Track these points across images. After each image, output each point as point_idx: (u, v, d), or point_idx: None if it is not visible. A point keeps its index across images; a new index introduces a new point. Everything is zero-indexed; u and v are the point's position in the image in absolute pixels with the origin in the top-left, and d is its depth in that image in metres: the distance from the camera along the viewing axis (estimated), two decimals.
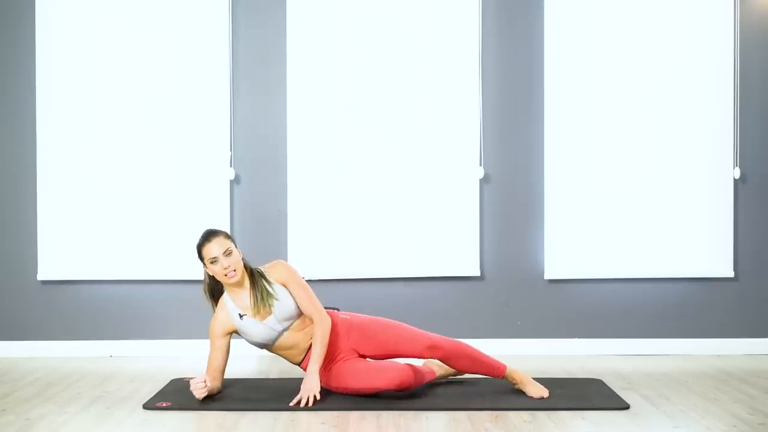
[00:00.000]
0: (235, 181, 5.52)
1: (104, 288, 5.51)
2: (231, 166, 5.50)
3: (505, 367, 4.34)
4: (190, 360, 5.26)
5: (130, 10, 5.50)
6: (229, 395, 4.33)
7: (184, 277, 5.45)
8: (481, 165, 5.52)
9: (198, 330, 5.48)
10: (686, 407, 4.13)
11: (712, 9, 5.51)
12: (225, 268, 4.21)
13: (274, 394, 4.34)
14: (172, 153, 5.52)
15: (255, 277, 4.31)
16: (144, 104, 5.52)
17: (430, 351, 4.30)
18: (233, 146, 5.51)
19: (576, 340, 5.54)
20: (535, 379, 4.42)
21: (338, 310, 4.51)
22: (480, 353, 4.36)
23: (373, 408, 4.09)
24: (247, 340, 4.36)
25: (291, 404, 4.11)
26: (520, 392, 4.31)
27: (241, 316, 4.28)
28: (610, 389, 4.46)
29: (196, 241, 4.29)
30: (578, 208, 5.54)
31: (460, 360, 4.32)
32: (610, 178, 5.54)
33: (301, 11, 5.52)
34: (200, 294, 5.23)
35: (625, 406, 4.12)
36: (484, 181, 5.54)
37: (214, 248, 4.21)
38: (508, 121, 5.55)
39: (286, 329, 4.31)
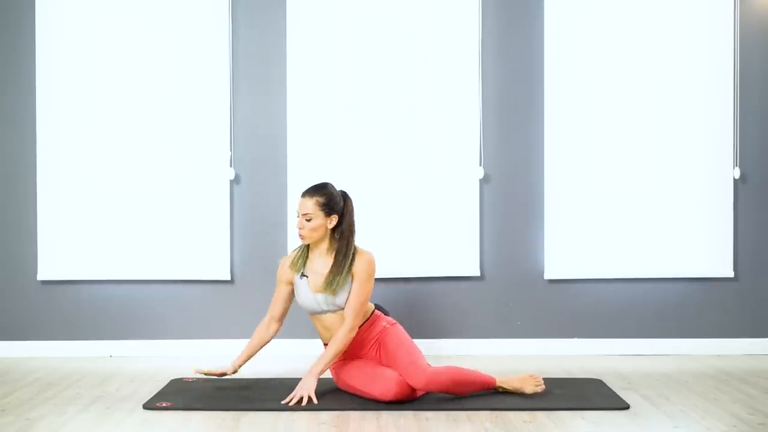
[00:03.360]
0: (235, 181, 5.52)
1: (104, 288, 5.51)
2: (231, 166, 5.50)
3: (495, 379, 4.32)
4: (190, 360, 5.26)
5: (130, 11, 5.50)
6: (229, 395, 4.34)
7: (184, 277, 5.46)
8: (481, 165, 5.52)
9: (198, 330, 5.49)
10: (686, 407, 4.13)
11: (712, 9, 5.51)
12: (298, 228, 4.32)
13: (274, 394, 4.34)
14: (172, 153, 5.52)
15: (344, 258, 4.30)
16: (144, 104, 5.52)
17: (426, 386, 4.15)
18: (233, 146, 5.51)
19: (576, 340, 5.54)
20: None
21: (387, 313, 4.51)
22: (470, 373, 4.26)
23: (373, 408, 4.10)
24: (296, 299, 4.43)
25: (283, 402, 4.13)
26: (521, 395, 4.28)
27: (303, 275, 4.34)
28: (610, 389, 4.46)
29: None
30: (578, 208, 5.54)
31: (457, 389, 4.22)
32: (610, 178, 5.54)
33: (301, 11, 5.52)
34: (200, 294, 5.25)
35: (625, 406, 4.12)
36: (484, 181, 5.54)
37: (301, 206, 4.33)
38: (508, 121, 5.55)
39: (330, 311, 4.33)
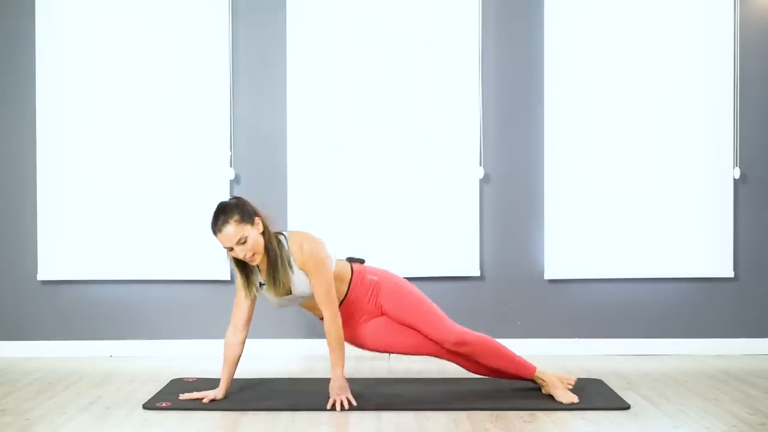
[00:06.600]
0: (235, 181, 5.52)
1: (104, 288, 5.51)
2: (231, 166, 5.50)
3: (535, 367, 4.27)
4: (190, 360, 5.27)
5: (130, 10, 5.50)
6: (229, 395, 4.33)
7: (184, 277, 5.46)
8: (481, 165, 5.52)
9: (198, 330, 5.48)
10: (686, 407, 4.13)
11: (712, 9, 5.52)
12: (244, 257, 4.02)
13: (274, 394, 4.35)
14: (173, 153, 5.52)
15: (274, 253, 4.06)
16: (144, 104, 5.51)
17: (456, 347, 4.21)
18: (233, 146, 5.51)
19: (576, 340, 5.54)
20: None
21: (363, 262, 4.38)
22: (510, 351, 4.28)
23: (373, 408, 4.10)
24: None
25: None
26: (549, 397, 4.23)
27: (261, 284, 4.17)
28: (610, 389, 4.46)
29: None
30: (578, 208, 5.54)
31: (488, 358, 4.24)
32: (610, 178, 5.54)
33: (301, 11, 5.52)
34: (200, 294, 5.22)
35: (625, 406, 4.12)
36: (484, 181, 5.54)
37: (226, 239, 4.01)
38: (508, 121, 5.55)
39: (303, 300, 4.22)
